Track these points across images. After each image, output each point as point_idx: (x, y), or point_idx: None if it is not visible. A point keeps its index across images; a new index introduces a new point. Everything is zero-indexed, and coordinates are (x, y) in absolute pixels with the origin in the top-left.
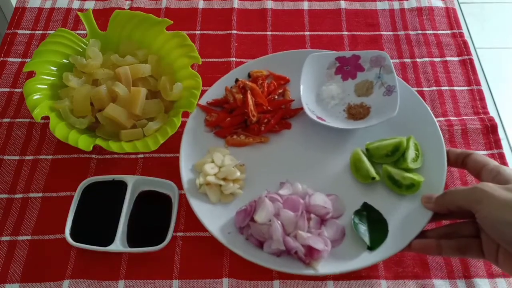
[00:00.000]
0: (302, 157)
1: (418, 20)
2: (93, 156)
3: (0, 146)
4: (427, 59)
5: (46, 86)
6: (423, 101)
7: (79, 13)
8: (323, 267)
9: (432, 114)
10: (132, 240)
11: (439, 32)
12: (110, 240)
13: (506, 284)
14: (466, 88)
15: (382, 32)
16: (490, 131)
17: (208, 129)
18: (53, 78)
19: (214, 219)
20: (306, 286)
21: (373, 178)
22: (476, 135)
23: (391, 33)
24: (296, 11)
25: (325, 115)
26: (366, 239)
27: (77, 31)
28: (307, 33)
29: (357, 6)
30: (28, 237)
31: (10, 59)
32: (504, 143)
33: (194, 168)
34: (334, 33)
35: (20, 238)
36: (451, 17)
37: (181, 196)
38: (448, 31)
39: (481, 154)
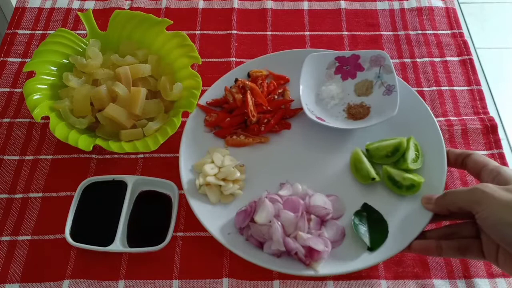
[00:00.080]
0: (302, 158)
1: (418, 20)
2: (93, 156)
3: (0, 146)
4: (427, 59)
5: (46, 86)
6: (423, 101)
7: (79, 13)
8: (323, 268)
9: (432, 115)
10: (132, 240)
11: (439, 32)
12: (110, 240)
13: (506, 284)
14: (466, 88)
15: (382, 32)
16: (490, 131)
17: (208, 129)
18: (53, 78)
19: (214, 219)
20: (306, 286)
21: (373, 179)
22: (476, 135)
23: (391, 33)
24: (296, 11)
25: (324, 115)
26: (366, 240)
27: (77, 31)
28: (307, 33)
29: (357, 6)
30: (28, 237)
31: (10, 59)
32: (504, 143)
33: (193, 169)
34: (334, 33)
35: (20, 238)
36: (451, 17)
37: (181, 196)
38: (448, 31)
39: (481, 154)
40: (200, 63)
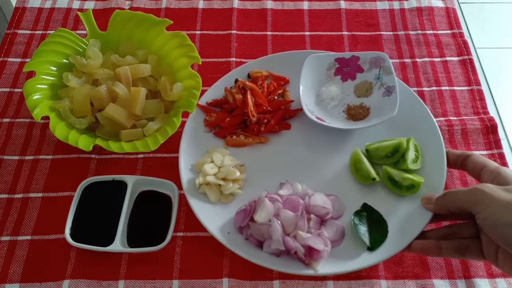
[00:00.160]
0: (302, 158)
1: (418, 20)
2: (93, 156)
3: (0, 146)
4: (427, 59)
5: (46, 86)
6: (423, 103)
7: (79, 13)
8: (323, 268)
9: (432, 116)
10: (132, 240)
11: (439, 32)
12: (110, 240)
13: (506, 284)
14: (466, 88)
15: (382, 32)
16: (490, 131)
17: (208, 129)
18: (53, 78)
19: (214, 219)
20: (306, 286)
21: (374, 179)
22: (476, 135)
23: (391, 33)
24: (296, 11)
25: (324, 116)
26: (366, 239)
27: (77, 31)
28: (307, 33)
29: (357, 6)
30: (28, 237)
31: (10, 59)
32: (504, 143)
33: (193, 168)
34: (334, 33)
35: (20, 238)
36: (451, 17)
37: (181, 196)
38: (448, 31)
39: (481, 155)
40: (200, 63)
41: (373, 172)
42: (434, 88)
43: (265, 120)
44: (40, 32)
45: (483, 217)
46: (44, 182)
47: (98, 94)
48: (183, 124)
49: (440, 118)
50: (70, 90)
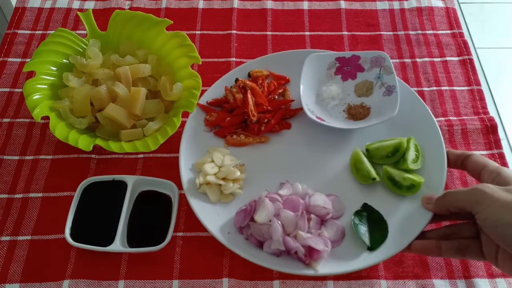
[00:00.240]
0: (302, 157)
1: (418, 20)
2: (93, 156)
3: (0, 146)
4: (427, 59)
5: (46, 86)
6: (423, 102)
7: (79, 13)
8: (323, 268)
9: (432, 115)
10: (132, 240)
11: (439, 32)
12: (110, 240)
13: (506, 284)
14: (466, 88)
15: (382, 32)
16: (490, 131)
17: (208, 129)
18: (53, 78)
19: (214, 219)
20: (306, 286)
21: (374, 179)
22: (476, 135)
23: (391, 33)
24: (296, 11)
25: (325, 116)
26: (366, 239)
27: (77, 31)
28: (307, 33)
29: (357, 6)
30: (28, 237)
31: (10, 59)
32: (504, 143)
33: (194, 168)
34: (334, 33)
35: (20, 238)
36: (451, 17)
37: (181, 196)
38: (448, 31)
39: (481, 155)
40: (200, 63)
41: (373, 172)
42: (434, 88)
43: (266, 120)
44: (40, 32)
45: (483, 217)
46: (44, 182)
47: (98, 94)
48: (183, 124)
49: (440, 118)
50: (70, 90)
